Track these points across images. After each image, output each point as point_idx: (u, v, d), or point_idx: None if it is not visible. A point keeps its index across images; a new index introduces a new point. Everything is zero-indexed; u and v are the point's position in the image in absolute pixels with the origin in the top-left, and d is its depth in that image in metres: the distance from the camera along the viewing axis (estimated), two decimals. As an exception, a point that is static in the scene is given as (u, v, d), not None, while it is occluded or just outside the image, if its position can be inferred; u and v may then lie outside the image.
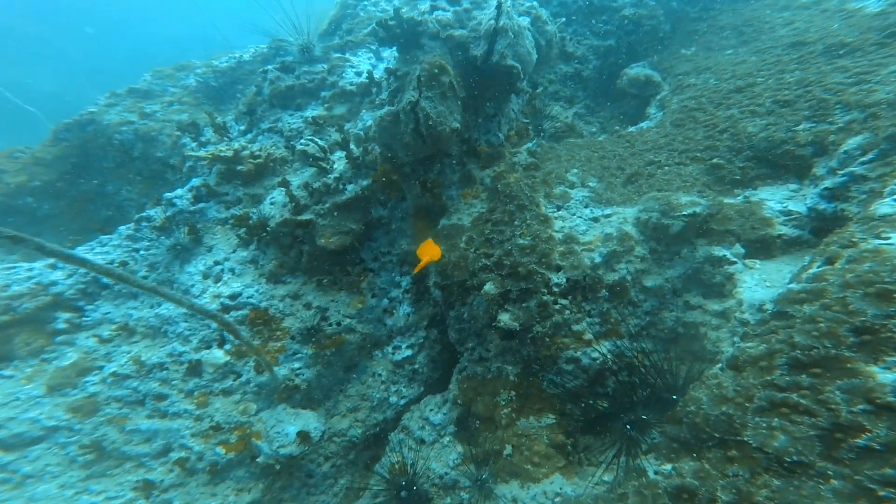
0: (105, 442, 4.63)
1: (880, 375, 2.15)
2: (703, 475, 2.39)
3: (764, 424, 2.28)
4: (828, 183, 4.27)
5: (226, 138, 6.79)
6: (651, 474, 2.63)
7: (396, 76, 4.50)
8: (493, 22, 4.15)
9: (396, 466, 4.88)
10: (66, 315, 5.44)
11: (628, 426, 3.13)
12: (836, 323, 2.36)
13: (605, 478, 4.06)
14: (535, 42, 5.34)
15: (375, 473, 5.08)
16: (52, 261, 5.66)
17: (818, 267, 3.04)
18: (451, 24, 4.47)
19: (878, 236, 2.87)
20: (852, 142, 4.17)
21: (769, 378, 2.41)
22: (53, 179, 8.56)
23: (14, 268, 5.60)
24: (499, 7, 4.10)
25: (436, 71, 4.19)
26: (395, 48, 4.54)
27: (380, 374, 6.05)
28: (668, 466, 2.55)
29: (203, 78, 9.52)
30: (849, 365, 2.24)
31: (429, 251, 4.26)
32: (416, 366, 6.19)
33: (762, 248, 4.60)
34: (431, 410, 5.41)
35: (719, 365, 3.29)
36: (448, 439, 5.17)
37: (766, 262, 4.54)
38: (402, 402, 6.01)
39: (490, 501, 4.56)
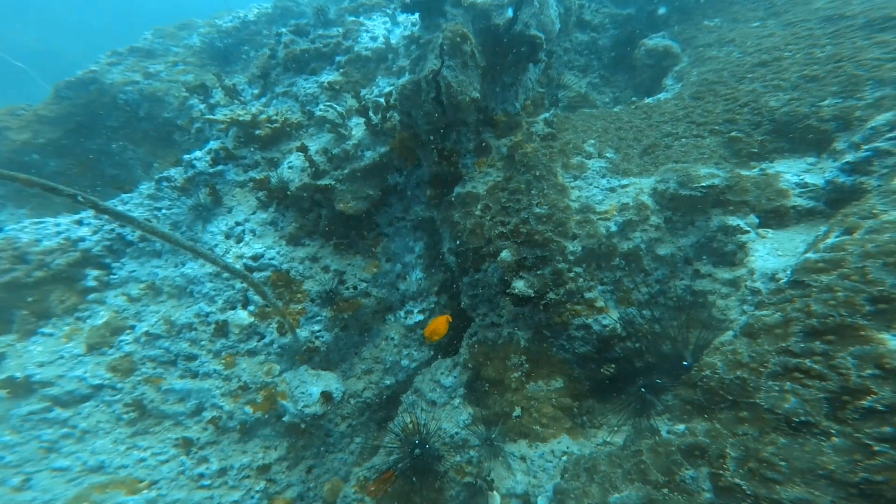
0: (145, 401, 4.82)
1: (891, 342, 2.19)
2: (715, 434, 2.49)
3: (777, 388, 2.35)
4: (850, 157, 4.17)
5: (237, 101, 6.66)
6: (664, 433, 2.74)
7: (419, 43, 4.36)
8: None
9: (409, 426, 5.03)
10: (95, 272, 5.54)
11: (643, 388, 3.22)
12: (854, 292, 2.38)
13: (610, 439, 4.21)
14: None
15: (390, 432, 5.24)
16: (77, 216, 5.71)
17: (836, 237, 3.03)
18: (474, -11, 4.28)
19: (899, 209, 2.84)
20: (881, 118, 4.05)
21: (784, 345, 2.46)
22: (58, 137, 8.49)
23: (42, 222, 5.66)
24: (524, -30, 3.90)
25: (458, 39, 4.05)
26: (417, 14, 4.37)
27: (392, 338, 6.18)
28: (682, 426, 2.65)
29: (207, 38, 9.24)
30: (862, 332, 2.28)
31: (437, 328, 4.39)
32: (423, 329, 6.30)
33: (776, 218, 4.55)
34: (442, 374, 5.52)
35: (730, 332, 3.35)
36: (458, 401, 5.30)
37: (778, 231, 4.52)
38: (414, 365, 6.15)
39: (499, 459, 4.73)
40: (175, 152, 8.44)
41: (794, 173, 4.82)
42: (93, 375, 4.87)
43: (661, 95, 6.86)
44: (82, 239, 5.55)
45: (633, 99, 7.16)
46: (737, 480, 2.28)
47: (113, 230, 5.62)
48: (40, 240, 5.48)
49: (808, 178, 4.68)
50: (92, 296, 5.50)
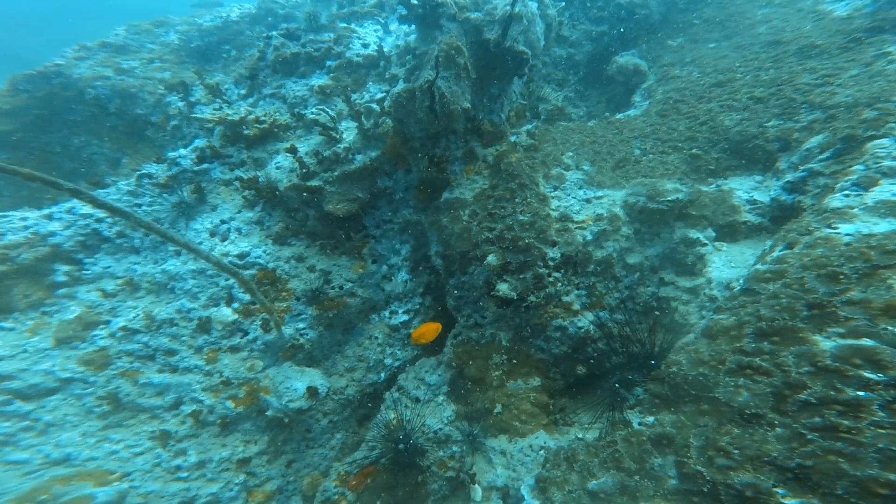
0: (120, 394, 4.69)
1: (822, 343, 2.57)
2: (680, 425, 2.81)
3: (732, 383, 2.69)
4: (789, 177, 4.68)
5: (218, 100, 6.54)
6: (636, 425, 3.04)
7: (415, 54, 4.49)
8: (508, 8, 4.18)
9: (393, 422, 5.14)
10: (66, 268, 5.30)
11: (617, 384, 3.53)
12: (795, 299, 2.76)
13: (583, 435, 4.51)
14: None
15: (373, 427, 5.33)
16: (47, 211, 5.44)
17: (780, 251, 3.44)
18: (468, 7, 4.46)
19: (829, 226, 3.27)
20: (813, 140, 4.56)
21: (738, 345, 2.81)
22: (12, 130, 8.01)
23: (6, 216, 5.35)
24: (515, -8, 4.12)
25: (453, 52, 4.22)
26: (413, 25, 4.49)
27: (376, 337, 6.26)
28: (651, 418, 2.95)
29: (186, 36, 8.97)
30: (801, 334, 2.65)
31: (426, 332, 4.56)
32: (412, 330, 6.43)
33: (730, 232, 5.03)
34: (427, 372, 5.65)
35: (692, 335, 3.72)
36: (442, 398, 5.44)
37: (731, 245, 5.00)
38: (397, 363, 6.26)
39: (481, 453, 4.94)
40: (146, 149, 8.15)
41: (744, 190, 5.33)
42: (62, 369, 4.70)
43: (631, 112, 7.32)
44: (52, 234, 5.30)
45: (607, 114, 7.58)
46: (699, 468, 2.60)
47: (87, 225, 5.39)
48: (4, 234, 5.19)
49: (756, 196, 5.19)
50: (62, 291, 5.27)
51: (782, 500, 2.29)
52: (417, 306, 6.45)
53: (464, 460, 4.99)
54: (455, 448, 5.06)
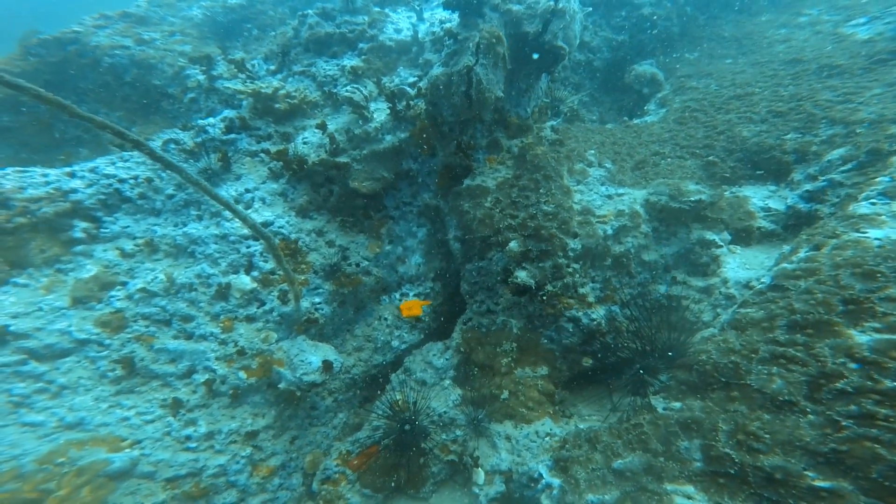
0: (135, 359, 4.53)
1: (857, 336, 2.56)
2: (708, 410, 2.78)
3: (765, 371, 2.67)
4: (808, 186, 4.71)
5: (242, 74, 6.40)
6: (660, 410, 3.01)
7: (456, 39, 4.42)
8: (552, 3, 4.13)
9: (398, 403, 5.05)
10: (84, 224, 5.12)
11: (641, 371, 3.49)
12: (830, 294, 2.75)
13: (588, 425, 4.46)
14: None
15: (378, 408, 5.23)
16: (69, 169, 5.26)
17: (806, 251, 3.44)
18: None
19: (857, 230, 3.28)
20: (835, 153, 4.59)
21: (771, 336, 2.79)
22: (16, 93, 7.81)
23: (26, 171, 5.16)
24: (559, -15, 4.08)
25: (493, 41, 4.16)
26: (456, 12, 4.43)
27: (386, 318, 6.16)
28: (678, 404, 2.92)
29: (210, 11, 8.81)
30: (836, 328, 2.64)
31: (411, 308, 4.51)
32: (421, 314, 6.34)
33: (744, 236, 5.05)
34: (434, 355, 5.57)
35: (711, 329, 3.71)
36: (448, 382, 5.38)
37: (745, 248, 5.01)
38: (403, 346, 6.16)
39: (484, 438, 4.87)
40: (159, 120, 7.96)
41: (759, 198, 5.35)
42: (79, 329, 4.52)
43: (648, 118, 7.33)
44: (74, 191, 5.11)
45: (625, 118, 7.58)
46: (727, 450, 2.56)
47: (110, 185, 5.23)
48: (24, 188, 5.00)
49: (771, 203, 5.22)
50: (78, 248, 5.08)
51: (813, 483, 2.26)
52: (428, 290, 6.37)
53: (466, 444, 4.92)
54: (458, 432, 4.99)
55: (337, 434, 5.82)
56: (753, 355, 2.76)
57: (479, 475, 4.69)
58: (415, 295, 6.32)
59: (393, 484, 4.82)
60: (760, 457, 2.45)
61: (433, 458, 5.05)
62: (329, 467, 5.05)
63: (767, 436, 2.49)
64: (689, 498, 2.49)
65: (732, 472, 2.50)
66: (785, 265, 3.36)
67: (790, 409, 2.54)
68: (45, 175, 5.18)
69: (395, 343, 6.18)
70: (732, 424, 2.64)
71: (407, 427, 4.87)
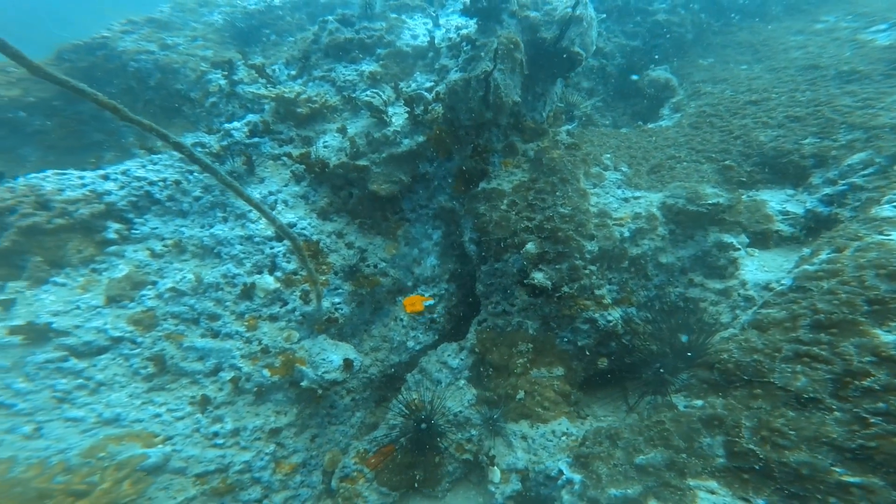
0: (165, 356, 4.67)
1: (882, 336, 2.56)
2: (730, 408, 2.79)
3: (789, 370, 2.68)
4: (827, 190, 4.69)
5: (262, 79, 6.58)
6: (681, 407, 3.02)
7: (474, 45, 4.53)
8: (569, 10, 4.22)
9: (414, 403, 5.10)
10: (116, 226, 5.32)
11: (661, 370, 3.51)
12: (854, 294, 2.75)
13: (606, 423, 4.46)
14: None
15: (394, 407, 5.28)
16: (103, 171, 5.48)
17: (828, 254, 3.44)
18: (528, 6, 4.51)
19: (880, 233, 3.27)
20: (855, 157, 4.57)
21: (794, 335, 2.80)
22: (49, 97, 8.02)
23: (64, 173, 5.38)
24: (577, -7, 4.17)
25: (511, 46, 4.26)
26: (474, 18, 4.54)
27: (401, 319, 6.23)
28: (699, 401, 2.93)
29: (230, 17, 9.05)
30: (861, 327, 2.64)
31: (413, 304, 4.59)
32: (435, 315, 6.40)
33: (762, 239, 5.03)
34: (449, 356, 5.61)
35: (731, 329, 3.71)
36: (463, 382, 5.41)
37: (763, 251, 4.99)
38: (418, 347, 6.22)
39: (500, 437, 4.89)
40: (180, 123, 8.19)
41: (776, 202, 5.33)
42: (114, 327, 4.67)
43: (662, 122, 7.35)
44: (108, 192, 5.32)
45: (639, 123, 7.61)
46: (751, 446, 2.57)
47: (140, 187, 5.42)
48: (63, 189, 5.21)
49: (789, 207, 5.20)
50: (111, 248, 5.27)
51: (841, 478, 2.26)
52: (443, 291, 6.43)
53: (481, 443, 4.94)
54: (473, 431, 5.02)
55: (354, 433, 5.88)
56: (776, 354, 2.77)
57: (496, 473, 4.71)
58: (429, 296, 6.39)
59: (409, 482, 4.86)
60: (786, 453, 2.46)
61: (448, 457, 5.09)
62: (347, 465, 5.11)
63: (792, 432, 2.50)
64: (713, 493, 2.50)
65: (757, 467, 2.50)
66: (806, 267, 3.36)
67: (815, 406, 2.54)
68: (81, 177, 5.39)
69: (410, 343, 6.24)
70: (756, 421, 2.65)
71: (423, 426, 4.91)
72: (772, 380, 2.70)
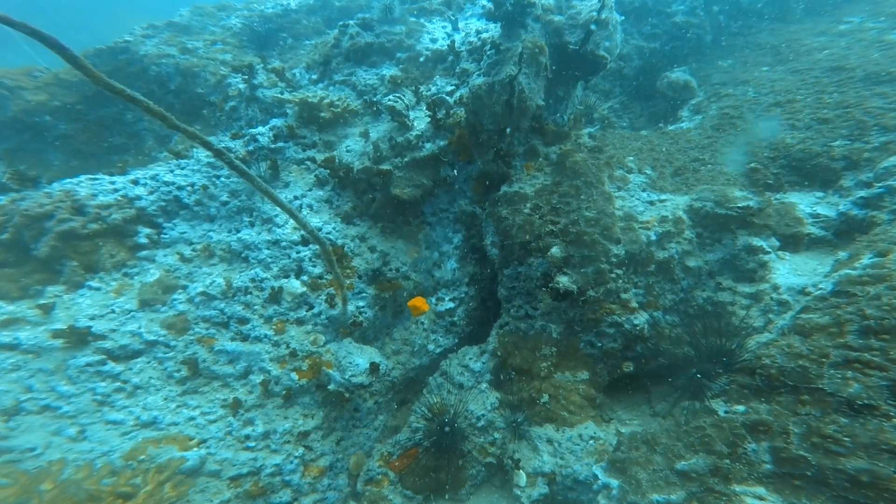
0: (198, 360, 4.70)
1: (937, 344, 2.46)
2: (776, 413, 2.70)
3: (839, 376, 2.59)
4: (862, 193, 4.57)
5: (281, 83, 6.59)
6: (722, 413, 2.94)
7: (499, 49, 4.52)
8: (594, 13, 4.19)
9: (437, 406, 5.06)
10: (147, 230, 5.39)
11: (699, 375, 3.43)
12: (905, 300, 2.66)
13: (625, 429, 4.37)
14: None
15: (417, 411, 5.23)
16: (133, 176, 5.56)
17: (870, 258, 3.33)
18: (552, 10, 4.49)
19: (926, 237, 3.17)
20: (892, 159, 4.44)
21: (842, 341, 2.71)
22: (74, 102, 8.10)
23: (97, 179, 5.47)
24: (603, 0, 4.14)
25: (536, 51, 4.24)
26: (498, 23, 4.54)
27: (422, 322, 6.20)
28: (741, 407, 2.85)
29: (247, 21, 9.12)
30: (913, 333, 2.55)
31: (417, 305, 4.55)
32: (455, 318, 6.36)
33: (792, 242, 4.91)
34: (471, 359, 5.56)
35: (768, 334, 3.61)
36: (485, 385, 5.35)
37: (794, 254, 4.87)
38: (439, 350, 6.18)
39: (524, 441, 4.82)
40: (199, 127, 8.25)
41: (806, 204, 5.21)
42: (148, 331, 4.73)
43: (683, 125, 7.25)
44: (139, 198, 5.40)
45: (660, 125, 7.52)
46: (801, 452, 2.49)
47: (170, 192, 5.50)
48: (96, 195, 5.31)
49: (820, 210, 5.08)
50: (143, 253, 5.35)
51: (904, 491, 2.17)
52: (463, 295, 6.39)
53: (505, 447, 4.88)
54: (497, 435, 4.96)
55: (378, 436, 5.86)
56: (824, 360, 2.68)
57: (521, 477, 4.65)
58: (450, 299, 6.36)
59: (432, 486, 4.82)
60: (841, 459, 2.37)
61: (472, 461, 5.03)
62: (372, 468, 5.08)
63: (847, 439, 2.41)
64: (761, 499, 2.42)
65: (809, 473, 2.42)
66: (848, 271, 3.26)
67: (870, 412, 2.45)
68: (112, 182, 5.49)
69: (430, 347, 6.20)
70: (805, 427, 2.56)
71: (446, 429, 4.88)
72: (821, 385, 2.62)
